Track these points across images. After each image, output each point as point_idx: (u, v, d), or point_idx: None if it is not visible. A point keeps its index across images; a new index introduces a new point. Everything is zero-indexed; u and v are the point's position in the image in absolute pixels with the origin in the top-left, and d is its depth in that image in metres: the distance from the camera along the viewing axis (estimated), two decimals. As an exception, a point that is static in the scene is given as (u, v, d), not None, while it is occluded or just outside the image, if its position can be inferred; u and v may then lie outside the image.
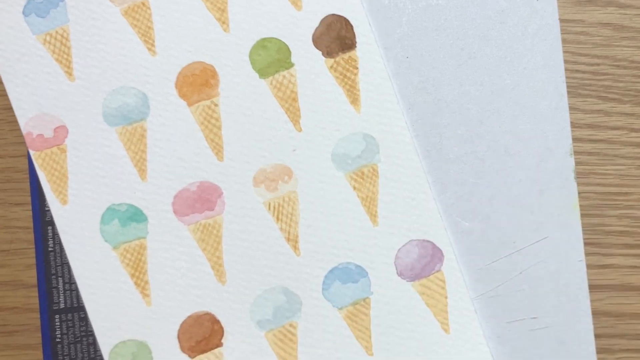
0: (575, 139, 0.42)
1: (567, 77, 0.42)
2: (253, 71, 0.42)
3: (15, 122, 0.42)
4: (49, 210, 0.41)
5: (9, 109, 0.42)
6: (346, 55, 0.42)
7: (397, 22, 0.42)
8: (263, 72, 0.42)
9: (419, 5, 0.42)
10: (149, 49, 0.42)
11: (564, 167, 0.41)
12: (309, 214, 0.41)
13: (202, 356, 0.41)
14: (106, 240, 0.41)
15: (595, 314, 0.41)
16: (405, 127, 0.41)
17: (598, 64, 0.42)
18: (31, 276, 0.42)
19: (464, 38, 0.42)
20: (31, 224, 0.42)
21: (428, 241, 0.41)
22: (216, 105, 0.42)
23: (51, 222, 0.41)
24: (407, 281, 0.41)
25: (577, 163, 0.42)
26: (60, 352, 0.41)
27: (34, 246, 0.42)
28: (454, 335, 0.41)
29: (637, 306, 0.42)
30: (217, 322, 0.41)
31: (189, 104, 0.42)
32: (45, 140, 0.41)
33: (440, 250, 0.41)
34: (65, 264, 0.41)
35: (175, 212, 0.41)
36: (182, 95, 0.42)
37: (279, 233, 0.41)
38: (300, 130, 0.41)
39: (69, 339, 0.41)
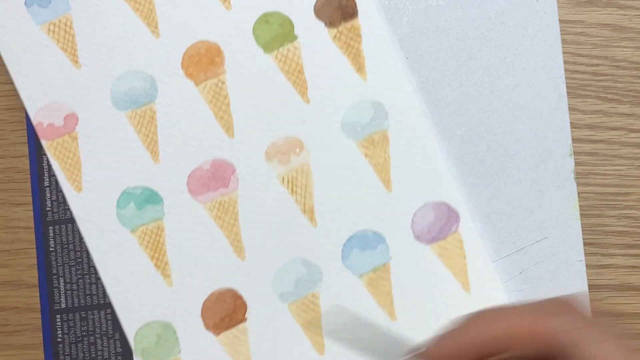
0: (574, 140, 0.42)
1: (566, 78, 0.42)
2: (258, 46, 0.42)
3: (17, 122, 0.42)
4: (50, 211, 0.42)
5: (11, 109, 0.42)
6: (348, 24, 0.42)
7: (397, 23, 0.42)
8: (267, 47, 0.42)
9: (418, 6, 0.42)
10: (153, 32, 0.42)
11: (563, 167, 0.42)
12: (323, 184, 0.41)
13: (227, 332, 0.41)
14: (123, 225, 0.41)
15: (595, 313, 0.41)
16: (412, 91, 0.42)
17: (597, 65, 0.42)
18: (32, 276, 0.42)
19: (464, 39, 0.42)
20: (32, 224, 0.42)
21: (443, 203, 0.41)
22: (223, 82, 0.42)
23: (52, 222, 0.42)
24: (424, 244, 0.41)
25: (577, 163, 0.42)
26: (61, 352, 0.41)
27: (35, 246, 0.42)
28: (475, 293, 0.41)
29: (636, 306, 0.42)
30: (240, 297, 0.41)
31: (196, 84, 0.42)
32: (56, 129, 0.41)
33: (455, 212, 0.41)
34: (66, 264, 0.41)
35: (190, 191, 0.41)
36: (189, 75, 0.42)
37: (295, 205, 0.41)
38: (308, 101, 0.42)
39: (70, 339, 0.41)
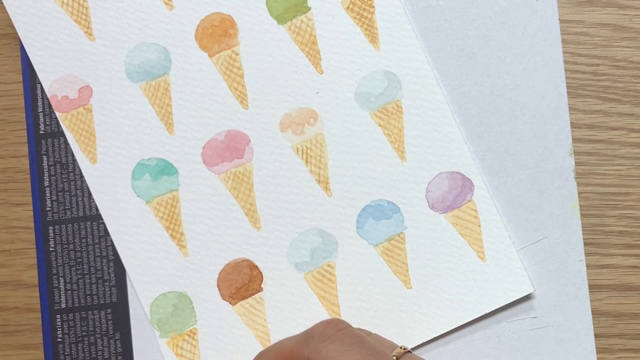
0: (575, 139, 0.42)
1: (566, 78, 0.42)
2: (271, 18, 0.42)
3: (16, 122, 0.42)
4: (50, 211, 0.42)
5: (10, 109, 0.42)
6: (362, -5, 0.42)
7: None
8: (281, 18, 0.42)
9: (419, 5, 0.42)
10: (166, 4, 0.42)
11: (563, 167, 0.42)
12: (337, 154, 0.41)
13: (243, 302, 0.41)
14: (139, 196, 0.41)
15: (595, 313, 0.41)
16: (426, 60, 0.42)
17: (598, 65, 0.42)
18: (32, 276, 0.42)
19: (464, 38, 0.42)
20: (32, 224, 0.42)
21: (457, 172, 0.41)
22: (237, 54, 0.42)
23: (52, 222, 0.41)
24: (439, 213, 0.41)
25: (577, 163, 0.42)
26: (61, 352, 0.41)
27: (35, 246, 0.42)
28: (490, 262, 0.41)
29: (636, 306, 0.42)
30: (256, 267, 0.41)
31: (210, 55, 0.42)
32: (70, 101, 0.42)
33: (470, 180, 0.41)
34: (66, 264, 0.41)
35: (205, 162, 0.41)
36: (203, 47, 0.42)
37: (310, 176, 0.41)
38: (322, 72, 0.42)
39: (70, 339, 0.41)
